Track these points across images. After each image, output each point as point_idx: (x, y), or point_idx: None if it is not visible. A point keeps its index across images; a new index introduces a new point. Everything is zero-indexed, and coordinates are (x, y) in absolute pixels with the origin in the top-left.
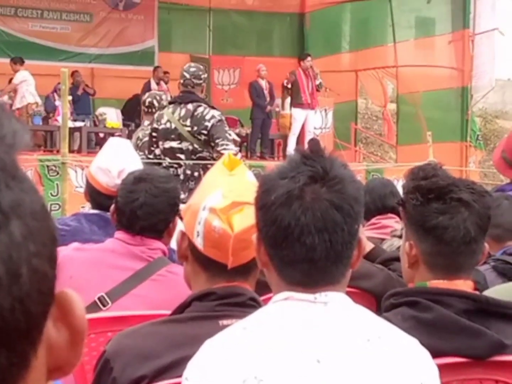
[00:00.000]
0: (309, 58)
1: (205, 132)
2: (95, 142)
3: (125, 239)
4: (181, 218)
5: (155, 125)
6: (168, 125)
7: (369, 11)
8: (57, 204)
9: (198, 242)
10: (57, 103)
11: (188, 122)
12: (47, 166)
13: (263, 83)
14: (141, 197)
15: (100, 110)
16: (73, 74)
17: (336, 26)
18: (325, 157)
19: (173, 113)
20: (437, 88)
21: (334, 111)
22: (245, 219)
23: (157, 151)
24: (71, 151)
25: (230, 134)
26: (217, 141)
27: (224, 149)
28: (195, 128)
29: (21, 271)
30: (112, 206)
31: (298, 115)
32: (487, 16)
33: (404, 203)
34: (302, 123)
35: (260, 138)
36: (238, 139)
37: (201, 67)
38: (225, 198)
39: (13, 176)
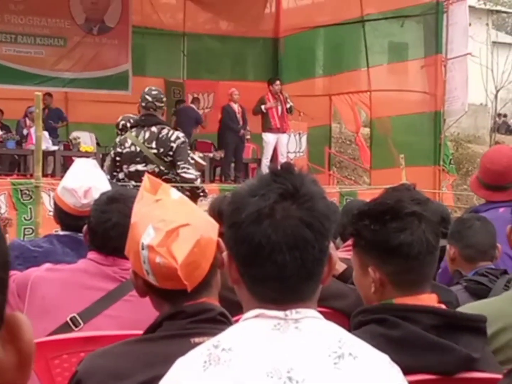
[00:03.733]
0: (278, 82)
1: (170, 153)
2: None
3: (97, 260)
4: None
5: (118, 149)
6: (132, 148)
7: (343, 36)
8: (31, 228)
9: (152, 279)
10: (25, 131)
11: (153, 145)
12: (21, 190)
13: (236, 107)
14: (114, 217)
15: (74, 134)
16: (43, 96)
17: (310, 50)
18: (295, 174)
19: (137, 136)
20: (410, 113)
21: (308, 135)
22: (184, 243)
23: (121, 175)
24: (44, 175)
25: (192, 158)
26: (178, 163)
27: (185, 172)
28: (161, 150)
29: None
30: (85, 227)
31: (269, 139)
32: (459, 42)
33: (358, 232)
34: (273, 146)
35: (234, 162)
36: (203, 162)
37: (161, 90)
38: (157, 231)
39: None
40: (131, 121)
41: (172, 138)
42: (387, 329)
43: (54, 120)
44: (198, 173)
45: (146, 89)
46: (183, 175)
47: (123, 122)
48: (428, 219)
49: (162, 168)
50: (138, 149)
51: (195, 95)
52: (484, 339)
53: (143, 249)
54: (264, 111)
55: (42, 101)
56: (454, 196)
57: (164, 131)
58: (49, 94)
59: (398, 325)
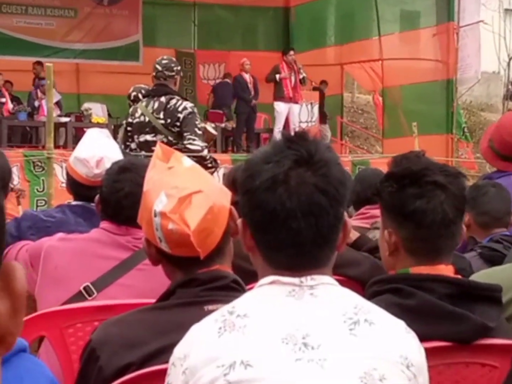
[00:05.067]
0: (291, 52)
1: (178, 124)
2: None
3: (110, 229)
4: None
5: (129, 119)
6: (142, 118)
7: (354, 5)
8: (43, 199)
9: (164, 246)
10: (37, 103)
11: (161, 115)
12: (33, 162)
13: (247, 77)
14: (126, 186)
15: (86, 105)
16: (33, 65)
17: (321, 20)
18: (309, 141)
19: (146, 106)
20: (422, 81)
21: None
22: (197, 210)
23: (133, 145)
24: (56, 146)
25: (199, 129)
26: (184, 134)
27: (190, 143)
28: (169, 120)
29: None
30: (97, 197)
31: (281, 108)
32: (472, 9)
33: (379, 192)
34: (285, 116)
35: (245, 132)
36: (214, 132)
37: (174, 59)
38: (170, 197)
39: None
40: (143, 91)
41: (180, 109)
42: (402, 299)
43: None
44: (204, 144)
45: (158, 59)
46: (189, 146)
47: (134, 93)
48: (451, 191)
49: (170, 138)
50: (147, 119)
51: (207, 65)
52: (499, 308)
53: (155, 216)
54: (278, 80)
55: (32, 70)
56: (470, 163)
57: (173, 101)
58: (38, 63)
59: (413, 295)
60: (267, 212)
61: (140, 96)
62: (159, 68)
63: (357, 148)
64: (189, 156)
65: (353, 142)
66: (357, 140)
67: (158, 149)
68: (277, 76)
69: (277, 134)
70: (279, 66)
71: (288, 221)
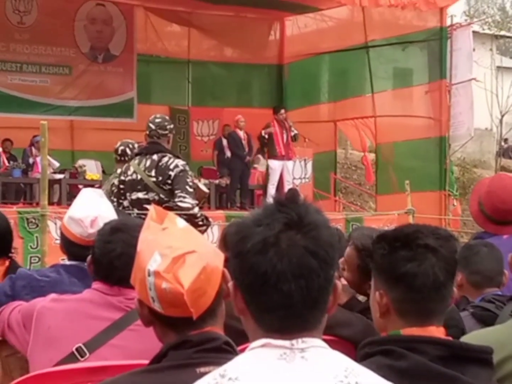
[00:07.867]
0: (282, 111)
1: (169, 181)
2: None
3: (102, 290)
4: None
5: (122, 177)
6: (134, 176)
7: (347, 62)
8: (37, 256)
9: (157, 307)
10: (31, 160)
11: (153, 173)
12: (27, 219)
13: (241, 134)
14: (118, 247)
15: (80, 162)
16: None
17: (315, 77)
18: (299, 204)
19: (139, 164)
20: (415, 138)
21: (314, 161)
22: (191, 269)
23: (125, 203)
24: (50, 203)
25: (190, 186)
26: (176, 192)
27: (181, 201)
28: (160, 178)
29: None
30: (89, 257)
31: (274, 165)
32: (464, 67)
33: (372, 254)
34: (279, 173)
35: (239, 188)
36: (206, 190)
37: (167, 118)
38: (164, 257)
39: None
40: (130, 146)
41: (171, 167)
42: (394, 360)
43: None
44: (195, 202)
45: (151, 118)
46: (179, 204)
47: (122, 147)
48: (442, 255)
49: (162, 196)
50: (139, 177)
51: (201, 122)
52: (490, 370)
53: (149, 275)
54: (266, 137)
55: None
56: (460, 221)
57: (164, 159)
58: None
59: (405, 356)
60: (258, 275)
61: (127, 150)
62: (153, 127)
63: (351, 204)
64: (179, 214)
65: (346, 199)
66: (351, 196)
67: (152, 210)
68: (263, 132)
69: (271, 191)
70: (270, 124)
71: (279, 283)
